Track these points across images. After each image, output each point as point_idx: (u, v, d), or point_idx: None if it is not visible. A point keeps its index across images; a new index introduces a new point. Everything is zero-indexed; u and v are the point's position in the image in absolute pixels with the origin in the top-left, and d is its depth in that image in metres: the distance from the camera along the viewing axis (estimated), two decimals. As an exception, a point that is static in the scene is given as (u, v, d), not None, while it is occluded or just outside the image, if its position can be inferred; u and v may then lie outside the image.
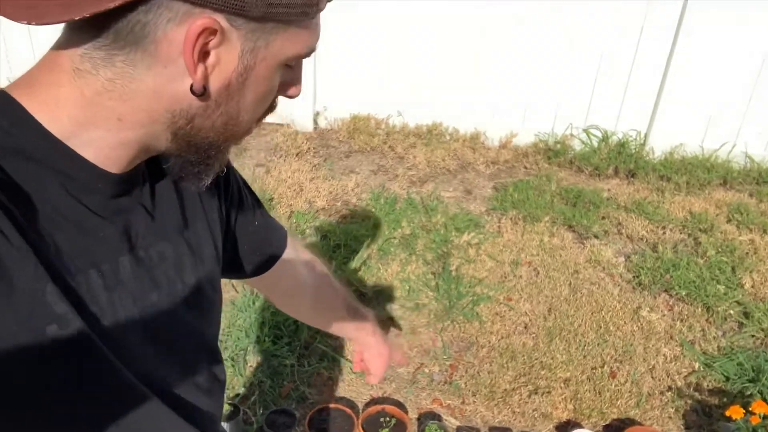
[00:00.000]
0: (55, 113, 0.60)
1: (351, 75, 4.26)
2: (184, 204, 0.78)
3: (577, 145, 4.25)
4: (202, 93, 0.60)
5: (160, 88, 0.60)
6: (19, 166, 0.58)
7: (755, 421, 2.08)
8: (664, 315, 2.95)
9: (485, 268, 3.15)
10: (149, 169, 0.72)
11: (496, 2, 3.89)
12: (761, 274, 3.22)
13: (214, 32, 0.57)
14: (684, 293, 3.05)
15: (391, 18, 4.03)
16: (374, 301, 2.88)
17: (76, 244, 0.62)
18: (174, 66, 0.58)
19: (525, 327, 2.84)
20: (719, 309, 2.97)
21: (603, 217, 3.61)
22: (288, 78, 0.68)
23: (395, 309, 2.87)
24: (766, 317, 2.94)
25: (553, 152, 4.23)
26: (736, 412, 2.12)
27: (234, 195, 0.90)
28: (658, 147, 4.16)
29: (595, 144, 4.22)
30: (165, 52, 0.57)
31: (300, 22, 0.62)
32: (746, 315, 2.96)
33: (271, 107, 0.71)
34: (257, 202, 0.97)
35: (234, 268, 0.95)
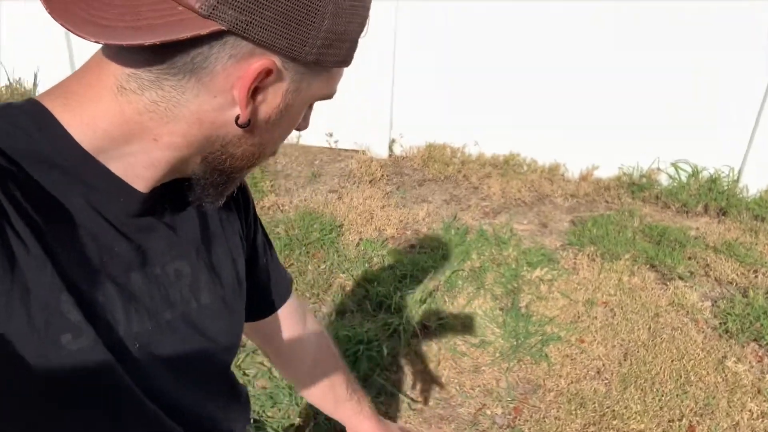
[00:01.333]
0: (90, 127, 0.60)
1: (427, 103, 4.22)
2: (205, 224, 0.78)
3: (664, 180, 4.03)
4: (246, 125, 0.62)
5: (203, 116, 0.60)
6: (45, 174, 0.59)
7: None
8: (752, 367, 2.71)
9: (557, 306, 3.00)
10: (170, 188, 0.71)
11: (575, 28, 3.77)
12: None
13: (270, 73, 0.59)
14: (777, 345, 2.80)
15: (469, 47, 3.98)
16: (437, 335, 2.79)
17: (94, 256, 0.62)
18: (223, 97, 0.59)
19: (597, 372, 2.67)
20: (817, 364, 2.71)
21: (689, 258, 3.39)
22: (306, 113, 0.71)
23: (459, 344, 2.77)
24: None
25: (637, 186, 4.02)
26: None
27: (251, 225, 0.90)
28: (753, 184, 3.89)
29: (684, 179, 3.99)
30: (220, 84, 0.58)
31: (339, 69, 0.65)
32: None
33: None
34: (268, 240, 0.97)
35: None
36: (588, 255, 3.37)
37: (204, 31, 0.54)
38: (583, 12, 3.75)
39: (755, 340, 2.86)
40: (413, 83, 4.13)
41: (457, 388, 2.56)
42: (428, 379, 2.60)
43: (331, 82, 0.67)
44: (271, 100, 0.62)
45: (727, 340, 2.85)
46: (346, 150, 4.45)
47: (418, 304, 2.95)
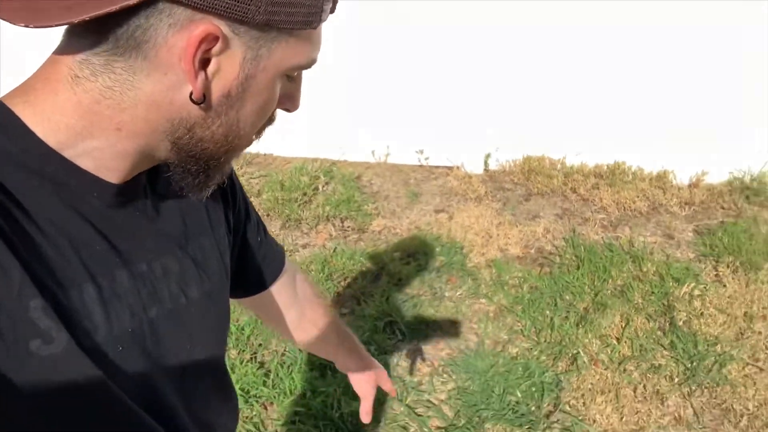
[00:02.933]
0: (52, 122, 0.58)
1: (521, 114, 4.09)
2: (188, 217, 0.76)
3: (777, 182, 3.91)
4: (201, 101, 0.59)
5: (159, 97, 0.58)
6: (12, 176, 0.57)
7: None
8: None
9: (717, 323, 2.87)
10: (152, 180, 0.70)
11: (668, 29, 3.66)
12: None
13: (216, 39, 0.56)
14: None
15: (562, 48, 3.86)
16: (607, 361, 2.66)
17: (71, 256, 0.60)
18: (174, 73, 0.57)
19: (783, 393, 2.54)
20: None
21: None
22: (287, 90, 0.67)
23: (631, 370, 2.63)
24: None
25: (751, 191, 3.91)
26: None
27: (241, 211, 0.90)
28: None
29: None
30: (165, 58, 0.56)
31: (302, 32, 0.61)
32: None
33: (270, 120, 0.69)
34: (259, 220, 0.98)
35: (232, 285, 0.90)
36: (728, 266, 3.24)
37: (132, 0, 0.51)
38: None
39: None
40: (504, 95, 4.00)
41: (645, 418, 2.43)
42: (612, 409, 2.46)
43: (302, 48, 0.62)
44: (227, 71, 0.58)
45: None
46: (439, 167, 4.33)
47: (573, 329, 2.82)
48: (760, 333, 2.83)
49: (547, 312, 2.91)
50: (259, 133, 0.69)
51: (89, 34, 0.56)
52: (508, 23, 3.67)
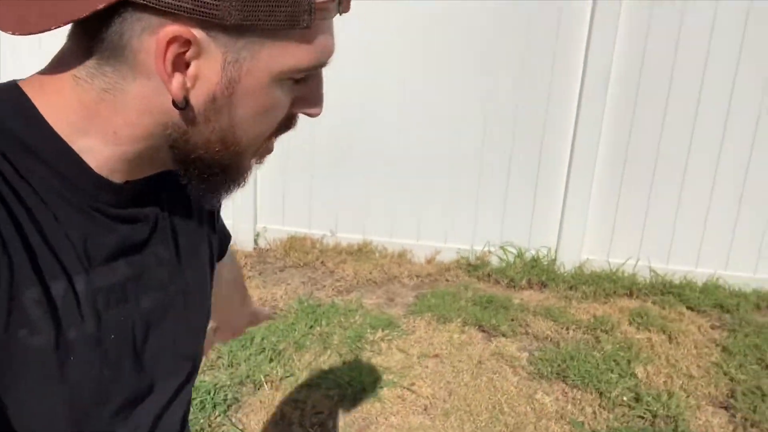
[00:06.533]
0: (59, 117, 0.60)
1: (289, 198, 4.68)
2: (190, 210, 0.80)
3: (495, 261, 4.60)
4: (184, 106, 0.59)
5: (148, 101, 0.60)
6: (23, 163, 0.59)
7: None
8: (557, 399, 3.15)
9: (394, 359, 3.36)
10: (164, 183, 0.73)
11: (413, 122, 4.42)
12: (655, 366, 3.45)
13: (188, 42, 0.56)
14: (579, 381, 3.26)
15: (327, 130, 4.53)
16: (284, 387, 3.06)
17: (68, 246, 0.62)
18: (156, 78, 0.58)
19: (425, 408, 3.01)
20: (611, 394, 3.17)
21: (512, 319, 3.88)
22: (302, 94, 0.66)
23: (294, 392, 3.05)
24: (656, 401, 3.14)
25: (472, 267, 4.57)
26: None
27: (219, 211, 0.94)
28: (568, 262, 4.52)
29: (511, 259, 4.58)
30: (145, 62, 0.57)
31: (291, 32, 0.58)
32: (637, 399, 3.16)
33: (287, 125, 0.69)
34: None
35: None
36: (425, 319, 3.80)
37: (100, 5, 0.52)
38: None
39: (562, 379, 3.31)
40: (274, 177, 4.59)
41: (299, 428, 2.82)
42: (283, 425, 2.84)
43: (295, 49, 0.59)
44: (209, 76, 0.59)
45: (538, 381, 3.29)
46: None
47: (266, 362, 3.23)
48: (426, 367, 3.33)
49: (249, 349, 3.32)
50: (271, 137, 0.68)
51: (83, 38, 0.57)
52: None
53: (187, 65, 0.58)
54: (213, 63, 0.58)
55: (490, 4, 4.18)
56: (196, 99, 0.60)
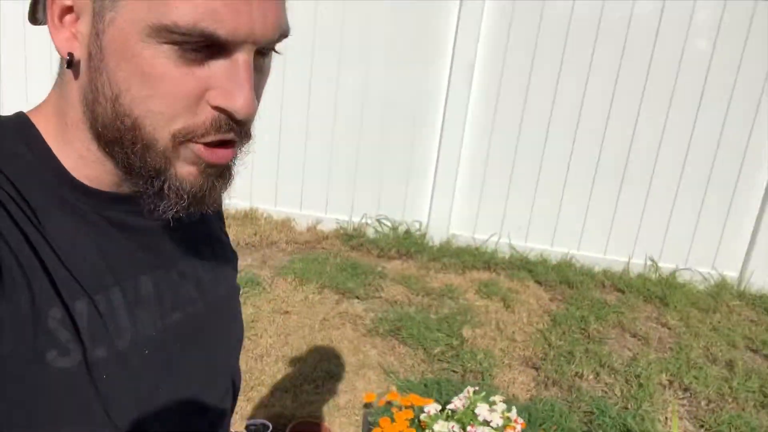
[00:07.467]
0: (49, 133, 0.64)
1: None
2: (205, 221, 0.81)
3: (371, 233, 4.98)
4: (69, 63, 0.59)
5: (70, 76, 0.61)
6: (41, 186, 0.60)
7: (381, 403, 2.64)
8: (384, 353, 3.55)
9: (246, 313, 3.72)
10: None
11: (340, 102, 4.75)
12: (483, 330, 3.87)
13: None
14: (409, 339, 3.66)
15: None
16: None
17: (97, 262, 0.62)
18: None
19: (261, 355, 3.39)
20: (434, 351, 3.58)
21: (368, 284, 4.27)
22: (212, 77, 0.58)
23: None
24: (471, 359, 3.56)
25: (348, 236, 4.94)
26: (369, 398, 2.68)
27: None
28: (437, 236, 4.93)
29: (386, 231, 4.96)
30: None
31: None
32: (456, 357, 3.57)
33: (216, 122, 0.60)
34: None
35: None
36: (287, 281, 4.17)
37: None
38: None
39: (395, 336, 3.71)
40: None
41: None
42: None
43: (157, 3, 0.53)
44: (83, 30, 0.58)
45: (372, 337, 3.68)
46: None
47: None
48: (273, 321, 3.71)
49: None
50: (195, 138, 0.60)
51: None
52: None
53: (75, 22, 0.59)
54: (86, 16, 0.58)
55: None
56: (79, 56, 0.59)
